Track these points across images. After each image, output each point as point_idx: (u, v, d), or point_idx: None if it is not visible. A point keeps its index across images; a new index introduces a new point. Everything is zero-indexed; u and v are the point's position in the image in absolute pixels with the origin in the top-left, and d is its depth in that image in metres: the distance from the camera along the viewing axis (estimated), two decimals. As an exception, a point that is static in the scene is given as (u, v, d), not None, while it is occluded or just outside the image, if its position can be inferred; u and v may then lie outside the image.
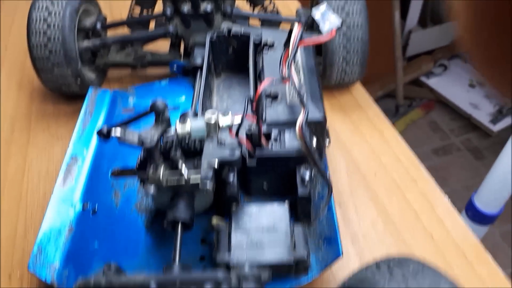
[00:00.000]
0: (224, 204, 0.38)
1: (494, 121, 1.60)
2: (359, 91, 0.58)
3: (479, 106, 1.63)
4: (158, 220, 0.41)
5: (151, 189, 0.35)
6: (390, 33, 1.50)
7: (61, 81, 0.53)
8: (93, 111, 0.51)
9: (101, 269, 0.31)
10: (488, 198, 0.72)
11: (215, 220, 0.37)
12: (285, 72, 0.39)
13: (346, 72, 0.52)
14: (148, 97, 0.54)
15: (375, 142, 0.51)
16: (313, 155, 0.35)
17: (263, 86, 0.36)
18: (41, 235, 0.39)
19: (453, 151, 1.54)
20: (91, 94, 0.53)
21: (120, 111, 0.52)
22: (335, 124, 0.53)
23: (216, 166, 0.33)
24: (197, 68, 0.51)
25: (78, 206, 0.42)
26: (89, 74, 0.57)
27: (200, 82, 0.47)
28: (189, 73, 0.54)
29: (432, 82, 1.72)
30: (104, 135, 0.37)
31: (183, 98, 0.53)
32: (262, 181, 0.39)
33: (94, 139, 0.48)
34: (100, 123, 0.50)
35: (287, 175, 0.38)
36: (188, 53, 0.55)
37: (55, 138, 0.54)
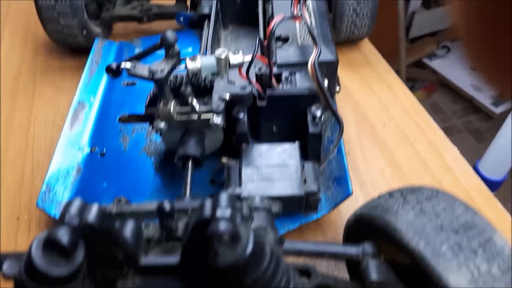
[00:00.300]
0: (234, 144, 0.37)
1: (496, 103, 1.59)
2: (368, 48, 0.57)
3: (481, 89, 1.62)
4: (167, 163, 0.40)
5: (162, 125, 0.35)
6: (393, 14, 1.48)
7: (66, 32, 0.53)
8: (100, 61, 0.50)
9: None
10: (492, 165, 0.72)
11: (225, 159, 0.37)
12: (296, 11, 0.38)
13: (356, 24, 0.52)
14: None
15: (384, 96, 0.51)
16: (325, 92, 0.34)
17: (275, 21, 0.36)
18: (49, 174, 0.39)
19: (455, 133, 1.54)
20: (97, 45, 0.52)
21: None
22: (343, 78, 0.53)
23: (227, 98, 0.33)
24: (204, 18, 0.50)
25: (86, 150, 0.42)
26: (95, 29, 0.56)
27: (208, 31, 0.46)
28: (196, 25, 0.53)
29: (435, 64, 1.71)
30: (113, 71, 0.36)
31: (190, 49, 0.52)
32: (272, 124, 0.39)
33: (101, 87, 0.48)
34: (106, 74, 0.49)
35: (297, 117, 0.38)
36: (195, 4, 0.54)
37: (60, 91, 0.54)
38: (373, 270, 0.26)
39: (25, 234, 0.40)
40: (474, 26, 0.11)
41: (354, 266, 0.30)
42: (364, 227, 0.29)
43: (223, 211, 0.21)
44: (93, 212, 0.22)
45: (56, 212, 0.36)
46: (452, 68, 1.70)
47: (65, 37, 0.54)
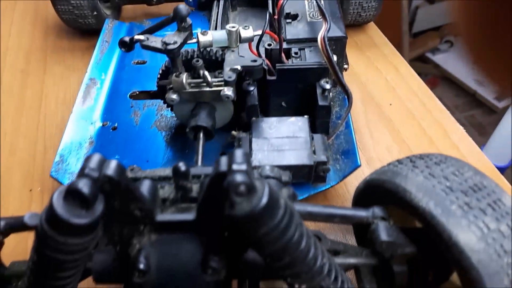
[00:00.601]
0: (244, 118, 0.38)
1: (499, 98, 1.58)
2: (374, 31, 0.57)
3: (484, 83, 1.62)
4: (178, 137, 0.41)
5: (174, 96, 0.35)
6: (397, 9, 1.47)
7: (77, 12, 0.53)
8: (110, 40, 0.51)
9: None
10: (497, 151, 0.72)
11: (235, 132, 0.38)
12: (307, -14, 0.38)
13: (363, 7, 0.52)
14: (163, 30, 0.53)
15: (390, 76, 0.51)
16: (334, 65, 0.35)
17: (286, -4, 0.36)
18: (62, 146, 0.39)
19: (458, 127, 1.54)
20: (108, 25, 0.52)
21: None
22: (350, 59, 0.53)
23: (239, 69, 0.34)
24: (213, 0, 0.51)
25: (98, 124, 0.42)
26: (105, 10, 0.56)
27: (217, 11, 0.47)
28: (205, 7, 0.54)
29: (438, 58, 1.70)
30: (126, 45, 0.37)
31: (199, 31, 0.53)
32: (281, 99, 0.39)
33: (112, 65, 0.48)
34: (116, 52, 0.50)
35: (306, 91, 0.38)
36: (204, -14, 0.54)
37: (71, 70, 0.54)
38: (383, 232, 0.27)
39: (38, 206, 0.41)
40: (475, 24, 0.11)
41: (363, 232, 0.31)
42: (374, 192, 0.29)
43: (239, 165, 0.21)
44: (112, 166, 0.22)
45: (68, 181, 0.37)
46: (455, 62, 1.69)
47: (75, 18, 0.54)
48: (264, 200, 0.21)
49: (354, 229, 0.34)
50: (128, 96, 0.45)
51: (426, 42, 1.74)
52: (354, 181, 0.40)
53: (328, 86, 0.36)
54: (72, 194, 0.21)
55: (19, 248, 0.37)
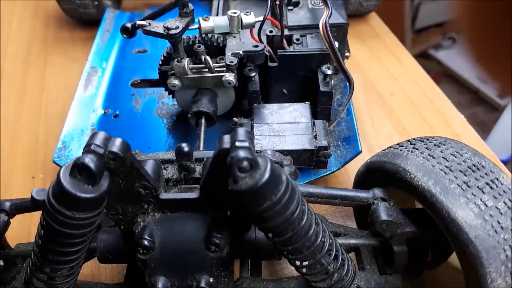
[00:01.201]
0: (245, 105, 0.38)
1: (501, 95, 1.58)
2: (375, 21, 0.58)
3: (487, 80, 1.62)
4: (179, 124, 0.41)
5: (176, 82, 0.36)
6: (399, 4, 1.47)
7: (78, 2, 0.53)
8: (111, 29, 0.51)
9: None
10: (498, 144, 0.73)
11: (236, 119, 0.38)
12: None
13: (364, -4, 0.52)
14: (164, 19, 0.54)
15: (391, 66, 0.51)
16: (335, 50, 0.35)
17: (288, -19, 0.36)
18: (64, 132, 0.40)
19: (459, 124, 1.54)
20: (109, 14, 0.53)
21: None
22: (351, 50, 0.53)
23: (241, 53, 0.34)
24: (215, -12, 0.51)
25: (100, 111, 0.42)
26: (106, 0, 0.57)
27: (218, 0, 0.47)
28: (206, -4, 0.54)
29: (440, 55, 1.70)
30: (128, 31, 0.37)
31: (200, 20, 0.53)
32: (282, 86, 0.40)
33: (113, 54, 0.48)
34: (117, 41, 0.50)
35: (307, 78, 0.38)
36: (206, -24, 0.54)
37: (72, 60, 0.55)
38: (383, 212, 0.27)
39: (41, 192, 0.41)
40: (476, 22, 0.11)
41: (363, 216, 0.31)
42: (374, 173, 0.30)
43: (242, 142, 0.22)
44: (117, 143, 0.22)
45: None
46: (458, 59, 1.68)
47: (76, 7, 0.54)
48: (267, 175, 0.21)
49: (355, 213, 0.35)
50: (129, 84, 0.45)
51: (428, 38, 1.73)
52: (355, 168, 0.40)
53: (329, 72, 0.36)
54: (78, 168, 0.21)
55: (23, 232, 0.37)
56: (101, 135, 0.23)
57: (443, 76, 1.68)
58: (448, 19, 1.74)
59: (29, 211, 0.30)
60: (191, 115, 0.36)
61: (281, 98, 0.40)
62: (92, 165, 0.21)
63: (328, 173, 0.36)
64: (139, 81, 0.46)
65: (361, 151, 0.36)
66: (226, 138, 0.23)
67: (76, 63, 0.54)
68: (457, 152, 0.27)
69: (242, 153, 0.21)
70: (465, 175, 0.25)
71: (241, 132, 0.23)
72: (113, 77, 0.46)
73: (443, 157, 0.27)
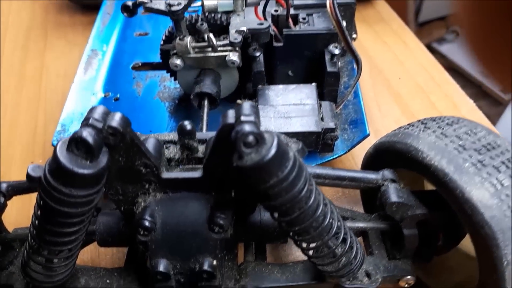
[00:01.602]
0: (249, 86, 0.37)
1: (505, 90, 1.56)
2: (382, 6, 0.56)
3: (488, 76, 1.60)
4: (181, 108, 0.40)
5: (178, 62, 0.35)
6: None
7: (78, -15, 0.52)
8: (112, 12, 0.50)
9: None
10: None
11: (240, 101, 0.37)
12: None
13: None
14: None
15: (398, 51, 0.50)
16: (343, 29, 0.34)
17: (294, -43, 0.35)
18: (64, 115, 0.39)
19: (463, 118, 1.52)
20: (109, -3, 0.52)
21: (139, 12, 0.51)
22: (358, 34, 0.52)
23: (245, 30, 0.33)
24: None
25: (100, 95, 0.41)
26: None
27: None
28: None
29: (444, 48, 1.67)
30: (128, 10, 0.36)
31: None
32: (288, 68, 0.38)
33: (114, 37, 0.47)
34: (118, 24, 0.49)
35: (314, 59, 0.37)
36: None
37: (72, 44, 0.53)
38: (393, 193, 0.26)
39: (40, 177, 0.40)
40: (476, 18, 0.10)
41: (371, 200, 0.30)
42: (384, 154, 0.29)
43: (247, 116, 0.21)
44: (117, 118, 0.21)
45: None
46: (461, 53, 1.66)
47: (76, -10, 0.53)
48: (273, 150, 0.20)
49: (362, 197, 0.34)
50: (130, 67, 0.44)
51: (431, 31, 1.71)
52: (362, 153, 0.39)
53: (337, 52, 0.35)
54: (76, 143, 0.20)
55: (21, 216, 0.36)
56: (100, 109, 0.22)
57: (447, 70, 1.66)
58: (451, 12, 1.72)
59: (26, 192, 0.29)
60: (193, 96, 0.35)
61: (286, 81, 0.39)
62: (90, 139, 0.20)
63: (334, 157, 0.35)
64: (140, 64, 0.45)
65: (368, 134, 0.35)
66: (231, 113, 0.22)
67: (76, 47, 0.53)
68: (471, 131, 0.26)
69: (247, 127, 0.20)
70: (480, 153, 0.24)
71: (246, 106, 0.22)
72: (114, 60, 0.45)
73: (456, 136, 0.26)
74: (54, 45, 0.54)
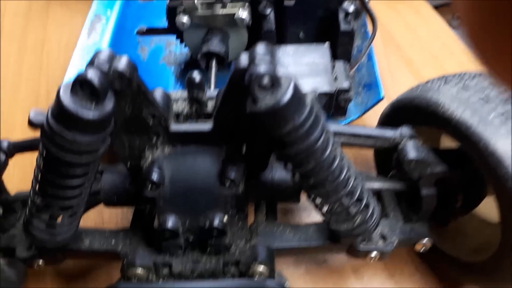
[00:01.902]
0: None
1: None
2: (393, -27, 0.54)
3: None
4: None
5: (185, 19, 0.33)
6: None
7: (80, -50, 0.50)
8: (115, -23, 0.48)
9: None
10: None
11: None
12: None
13: None
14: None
15: (411, 18, 0.49)
16: (358, -15, 0.32)
17: None
18: (66, 80, 0.37)
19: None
20: (113, -38, 0.50)
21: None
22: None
23: (255, -14, 0.31)
24: None
25: (104, 59, 0.40)
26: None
27: None
28: None
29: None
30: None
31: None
32: (299, 29, 0.37)
33: (118, 1, 0.46)
34: (122, -10, 0.48)
35: (326, 19, 0.36)
36: None
37: (74, 12, 0.52)
38: (412, 150, 0.25)
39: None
40: (474, 12, 0.10)
41: (385, 161, 0.29)
42: (401, 112, 0.27)
43: (262, 57, 0.19)
44: (123, 61, 0.20)
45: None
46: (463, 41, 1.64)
47: (78, -43, 0.51)
48: (289, 94, 0.19)
49: (376, 159, 0.33)
50: (135, 32, 0.43)
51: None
52: (375, 119, 0.38)
53: (351, 9, 0.33)
54: (80, 84, 0.19)
55: (24, 181, 0.35)
56: (106, 52, 0.21)
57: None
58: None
59: (27, 150, 0.28)
60: (200, 57, 0.33)
61: (297, 43, 0.38)
62: (95, 80, 0.19)
63: (347, 121, 0.34)
64: (145, 29, 0.43)
65: (383, 98, 0.34)
66: (244, 57, 0.20)
67: (79, 15, 0.51)
68: (493, 84, 0.25)
69: (262, 68, 0.19)
70: (505, 104, 0.23)
71: (261, 46, 0.20)
72: (118, 25, 0.43)
73: (479, 88, 0.24)
74: (56, 14, 0.52)
